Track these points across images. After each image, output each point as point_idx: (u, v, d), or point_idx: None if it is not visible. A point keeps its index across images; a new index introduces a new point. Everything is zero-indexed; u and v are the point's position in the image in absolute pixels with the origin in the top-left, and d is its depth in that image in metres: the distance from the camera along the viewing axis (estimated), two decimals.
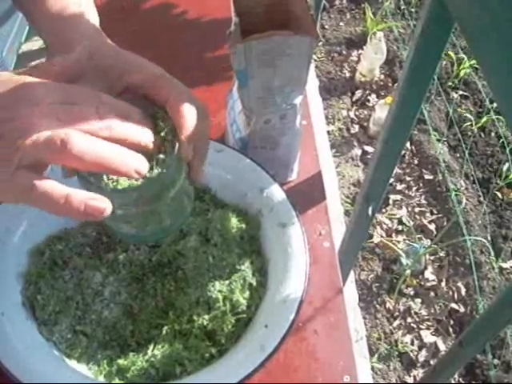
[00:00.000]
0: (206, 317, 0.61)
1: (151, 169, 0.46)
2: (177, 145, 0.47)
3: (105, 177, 0.46)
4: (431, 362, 1.73)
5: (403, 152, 2.21)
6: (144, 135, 0.45)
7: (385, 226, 2.05)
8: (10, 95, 0.41)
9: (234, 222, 0.68)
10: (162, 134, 0.48)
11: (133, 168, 0.43)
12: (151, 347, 0.61)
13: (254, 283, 0.64)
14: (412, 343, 1.77)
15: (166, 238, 0.67)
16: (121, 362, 0.60)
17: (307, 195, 0.85)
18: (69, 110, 0.41)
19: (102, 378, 0.59)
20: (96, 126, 0.41)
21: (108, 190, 0.45)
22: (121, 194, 0.46)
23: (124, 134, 0.43)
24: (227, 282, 0.63)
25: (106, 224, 0.55)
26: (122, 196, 0.47)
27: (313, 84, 2.42)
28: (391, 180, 2.08)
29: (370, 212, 1.11)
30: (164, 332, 0.61)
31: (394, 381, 1.68)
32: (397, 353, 1.75)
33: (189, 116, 0.48)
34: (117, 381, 0.59)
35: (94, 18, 0.60)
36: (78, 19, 0.58)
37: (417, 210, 2.12)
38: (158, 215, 0.51)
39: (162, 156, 0.47)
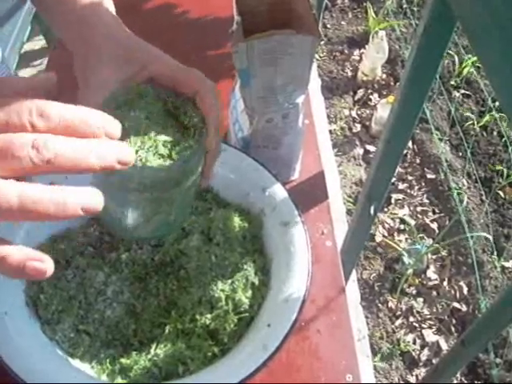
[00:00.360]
0: (209, 316, 0.61)
1: (179, 153, 0.47)
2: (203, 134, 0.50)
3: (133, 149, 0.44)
4: (433, 361, 1.73)
5: (405, 151, 2.21)
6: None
7: (387, 225, 2.05)
8: None
9: (236, 221, 0.68)
10: (195, 120, 0.50)
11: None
12: (154, 346, 0.61)
13: (257, 282, 0.64)
14: (414, 342, 1.77)
15: (166, 237, 0.66)
16: (123, 361, 0.60)
17: (309, 194, 0.85)
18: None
19: (104, 377, 0.59)
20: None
21: (137, 167, 0.45)
22: (150, 171, 0.46)
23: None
24: (230, 281, 0.63)
25: (108, 211, 0.50)
26: (151, 174, 0.47)
27: (315, 83, 2.42)
28: (393, 179, 2.08)
29: (372, 211, 1.11)
30: (167, 331, 0.61)
31: (396, 380, 1.68)
32: (399, 352, 1.75)
33: (217, 109, 0.50)
34: (119, 380, 0.59)
35: (111, 8, 0.59)
36: (96, 9, 0.56)
37: (419, 209, 2.11)
38: (168, 205, 0.51)
39: (191, 142, 0.48)
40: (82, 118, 0.37)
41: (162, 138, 0.48)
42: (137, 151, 0.46)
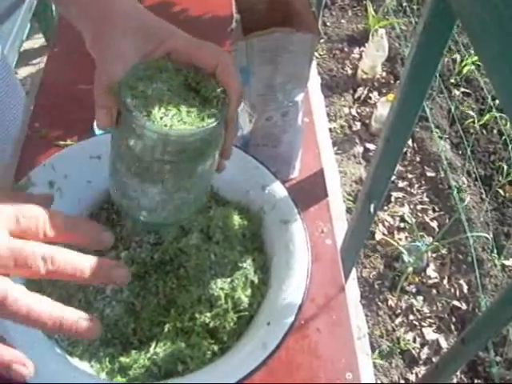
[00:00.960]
0: (208, 314, 0.61)
1: (203, 120, 0.49)
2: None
3: (158, 118, 0.47)
4: (433, 360, 1.73)
5: (405, 149, 2.21)
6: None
7: (387, 224, 2.05)
8: None
9: (235, 219, 0.68)
10: (217, 91, 0.51)
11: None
12: (153, 345, 0.61)
13: (256, 281, 0.64)
14: (414, 340, 1.77)
15: (179, 223, 0.66)
16: (123, 359, 0.60)
17: (309, 193, 0.85)
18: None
19: (104, 376, 0.59)
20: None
21: (163, 132, 0.47)
22: (175, 135, 0.47)
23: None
24: (229, 279, 0.63)
25: (126, 192, 0.54)
26: (176, 139, 0.48)
27: (315, 81, 2.42)
28: (393, 177, 2.08)
29: (371, 209, 1.11)
30: (166, 330, 0.61)
31: (396, 378, 1.68)
32: (399, 350, 1.75)
33: (237, 81, 0.52)
34: (119, 378, 0.59)
35: None
36: None
37: (419, 207, 2.11)
38: (189, 179, 0.52)
39: (214, 110, 0.50)
40: (82, 232, 0.47)
41: (185, 107, 0.49)
42: (161, 118, 0.47)
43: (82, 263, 0.44)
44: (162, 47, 0.53)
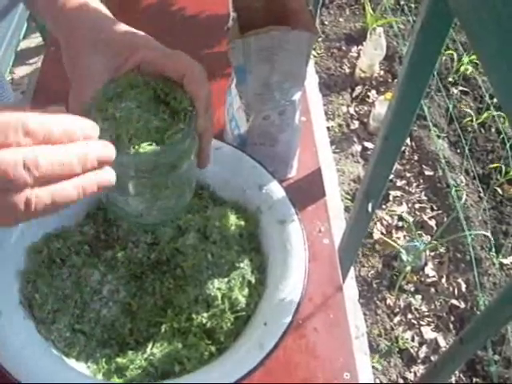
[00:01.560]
0: (205, 315, 0.61)
1: (170, 137, 0.50)
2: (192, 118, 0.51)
3: (126, 141, 0.49)
4: (432, 359, 1.73)
5: (403, 148, 2.21)
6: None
7: (385, 223, 2.05)
8: None
9: (232, 219, 0.68)
10: (185, 103, 0.52)
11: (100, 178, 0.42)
12: (150, 345, 0.60)
13: (253, 281, 0.64)
14: (412, 339, 1.77)
15: (172, 220, 0.66)
16: (119, 360, 0.60)
17: (307, 192, 0.84)
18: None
19: (100, 377, 0.59)
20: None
21: (132, 155, 0.48)
22: (144, 157, 0.49)
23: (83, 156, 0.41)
24: (226, 279, 0.63)
25: (113, 201, 0.55)
26: (145, 160, 0.49)
27: (312, 80, 2.42)
28: (391, 176, 2.07)
29: (369, 208, 1.11)
30: (163, 330, 0.61)
31: (394, 377, 1.68)
32: (397, 349, 1.75)
33: (205, 90, 0.52)
34: (116, 379, 0.59)
35: (98, 4, 0.58)
36: (82, 5, 0.55)
37: (417, 206, 2.11)
38: (166, 190, 0.53)
39: (181, 126, 0.50)
40: (63, 129, 0.40)
41: (154, 124, 0.50)
42: (130, 139, 0.49)
43: (69, 156, 0.39)
44: (131, 59, 0.53)
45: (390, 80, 2.52)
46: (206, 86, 0.52)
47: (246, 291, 0.63)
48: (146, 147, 0.48)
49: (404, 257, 1.88)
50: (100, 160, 0.41)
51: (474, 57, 2.39)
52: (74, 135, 0.41)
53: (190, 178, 0.57)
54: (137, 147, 0.48)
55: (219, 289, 0.62)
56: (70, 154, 0.39)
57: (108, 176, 0.43)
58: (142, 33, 0.55)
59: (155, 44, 0.54)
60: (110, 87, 0.52)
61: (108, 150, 0.42)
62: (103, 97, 0.51)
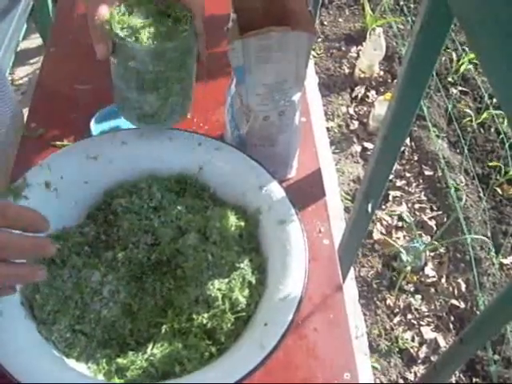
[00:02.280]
0: (206, 315, 0.61)
1: (178, 35, 0.65)
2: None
3: (144, 39, 0.63)
4: (432, 359, 1.73)
5: (403, 148, 2.21)
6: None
7: (385, 223, 2.05)
8: None
9: (232, 219, 0.68)
10: (184, 12, 0.66)
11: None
12: (150, 346, 0.60)
13: (254, 281, 0.64)
14: (412, 339, 1.77)
15: (177, 121, 0.75)
16: (120, 360, 0.60)
17: (306, 192, 0.85)
18: None
19: (101, 377, 0.59)
20: None
21: (150, 48, 0.63)
22: (160, 47, 0.63)
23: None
24: (226, 280, 0.63)
25: (131, 105, 0.70)
26: (160, 52, 0.63)
27: (312, 80, 2.42)
28: (391, 176, 2.07)
29: (369, 209, 1.11)
30: (163, 331, 0.61)
31: (394, 377, 1.68)
32: (397, 349, 1.75)
33: (200, 1, 0.67)
34: (116, 380, 0.59)
35: None
36: None
37: (417, 206, 2.11)
38: (179, 85, 0.68)
39: (186, 27, 0.65)
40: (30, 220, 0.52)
41: (163, 29, 0.65)
42: (148, 39, 0.63)
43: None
44: None
45: (389, 80, 2.52)
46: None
47: (246, 292, 0.63)
48: (162, 42, 0.63)
49: (404, 257, 1.88)
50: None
51: (473, 56, 2.39)
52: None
53: (192, 77, 0.71)
54: (154, 42, 0.63)
55: (219, 289, 0.62)
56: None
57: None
58: None
59: None
60: (123, 6, 0.66)
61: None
62: (119, 13, 0.65)
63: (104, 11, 0.64)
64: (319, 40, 2.67)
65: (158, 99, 0.68)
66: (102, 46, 0.65)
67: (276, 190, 0.70)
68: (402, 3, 2.75)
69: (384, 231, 2.03)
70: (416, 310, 1.84)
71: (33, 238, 0.54)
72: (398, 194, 2.15)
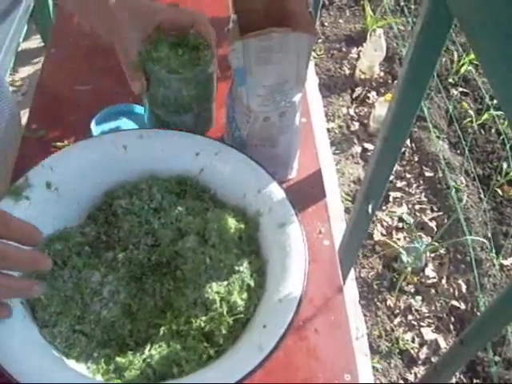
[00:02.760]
0: (203, 318, 0.61)
1: (198, 64, 0.73)
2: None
3: (175, 69, 0.73)
4: (432, 360, 1.73)
5: (403, 149, 2.21)
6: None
7: (385, 224, 2.05)
8: None
9: (231, 222, 0.68)
10: (199, 40, 0.75)
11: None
12: (149, 347, 0.60)
13: (253, 284, 0.64)
14: (413, 340, 1.77)
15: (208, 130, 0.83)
16: (119, 360, 0.59)
17: (307, 193, 0.85)
18: None
19: (99, 377, 0.59)
20: None
21: (183, 75, 0.72)
22: (189, 77, 0.72)
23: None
24: (225, 283, 0.63)
25: (171, 126, 0.77)
26: (191, 77, 0.72)
27: (312, 81, 2.42)
28: (391, 177, 2.07)
29: (370, 209, 1.11)
30: (162, 332, 0.61)
31: (394, 378, 1.68)
32: (398, 350, 1.75)
33: (209, 27, 0.74)
34: (114, 380, 0.58)
35: None
36: None
37: (417, 207, 2.11)
38: (207, 101, 0.78)
39: (206, 53, 0.74)
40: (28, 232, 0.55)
41: (186, 57, 0.74)
42: (178, 69, 0.72)
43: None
44: (152, 22, 0.73)
45: (390, 81, 2.52)
46: (209, 24, 0.74)
47: (244, 295, 0.63)
48: (192, 69, 0.73)
49: (404, 258, 1.88)
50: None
51: (473, 57, 2.39)
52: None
53: (214, 91, 0.79)
54: (184, 71, 0.72)
55: (218, 292, 0.62)
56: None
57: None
58: (155, 2, 0.77)
59: (164, 7, 0.75)
60: (148, 44, 0.73)
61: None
62: (148, 50, 0.73)
63: (133, 51, 0.72)
64: (320, 41, 2.68)
65: (193, 117, 0.78)
66: (137, 82, 0.73)
67: (276, 192, 0.69)
68: (402, 4, 2.75)
69: (384, 232, 2.03)
70: (416, 311, 1.84)
71: (31, 252, 0.56)
72: (399, 194, 2.15)
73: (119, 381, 0.58)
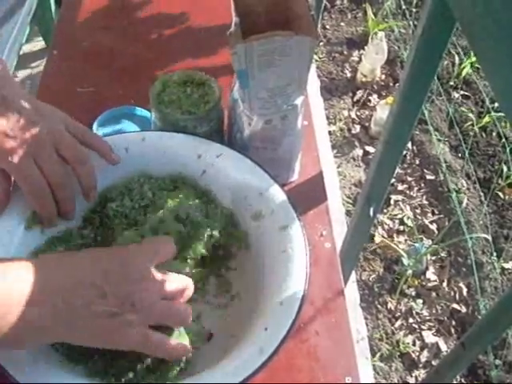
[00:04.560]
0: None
1: (208, 102, 0.76)
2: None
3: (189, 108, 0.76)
4: (433, 363, 1.73)
5: (404, 152, 2.21)
6: None
7: (386, 227, 2.05)
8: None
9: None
10: (204, 77, 0.78)
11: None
12: None
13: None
14: (414, 344, 1.77)
15: None
16: (119, 361, 0.59)
17: (308, 196, 0.85)
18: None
19: (99, 378, 0.59)
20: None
21: (192, 116, 0.75)
22: (202, 115, 0.75)
23: None
24: None
25: None
26: (204, 115, 0.75)
27: (314, 84, 2.42)
28: (392, 180, 2.07)
29: (371, 212, 1.11)
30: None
31: (395, 381, 1.68)
32: (398, 353, 1.74)
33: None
34: (114, 380, 0.58)
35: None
36: None
37: (418, 210, 2.11)
38: (219, 135, 0.80)
39: (212, 83, 0.78)
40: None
41: (195, 94, 0.77)
42: (189, 106, 0.76)
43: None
44: None
45: (391, 84, 2.52)
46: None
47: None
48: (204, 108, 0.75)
49: (405, 261, 1.88)
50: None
51: (474, 60, 2.39)
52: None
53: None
54: (197, 109, 0.75)
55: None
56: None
57: None
58: None
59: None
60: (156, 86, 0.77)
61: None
62: (157, 94, 0.76)
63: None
64: (321, 44, 2.68)
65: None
66: None
67: (278, 194, 0.69)
68: (403, 7, 2.75)
69: (385, 235, 2.03)
70: (417, 314, 1.83)
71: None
72: (400, 197, 2.15)
73: (119, 382, 0.58)
